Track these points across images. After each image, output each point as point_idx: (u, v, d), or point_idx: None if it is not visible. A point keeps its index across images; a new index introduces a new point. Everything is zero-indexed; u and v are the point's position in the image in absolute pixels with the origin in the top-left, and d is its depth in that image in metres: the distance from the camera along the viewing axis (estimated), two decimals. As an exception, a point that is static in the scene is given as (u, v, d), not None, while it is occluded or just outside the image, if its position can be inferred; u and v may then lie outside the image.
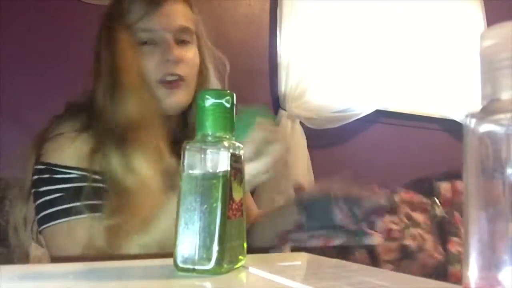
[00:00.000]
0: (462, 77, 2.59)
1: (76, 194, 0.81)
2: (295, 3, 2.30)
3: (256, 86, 2.23)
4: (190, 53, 0.91)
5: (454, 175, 1.25)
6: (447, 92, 2.61)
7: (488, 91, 0.32)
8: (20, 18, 1.80)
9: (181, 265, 0.45)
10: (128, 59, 0.88)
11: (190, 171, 0.47)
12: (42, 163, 0.84)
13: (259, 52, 2.29)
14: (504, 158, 0.29)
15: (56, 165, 0.83)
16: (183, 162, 0.47)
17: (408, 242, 0.89)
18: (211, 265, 0.45)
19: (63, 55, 1.81)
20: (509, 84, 0.30)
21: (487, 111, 0.31)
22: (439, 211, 0.98)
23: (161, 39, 0.88)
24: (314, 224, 0.85)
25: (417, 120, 2.60)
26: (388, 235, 0.90)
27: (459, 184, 1.19)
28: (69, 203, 0.80)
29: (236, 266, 0.49)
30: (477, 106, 0.32)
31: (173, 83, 0.88)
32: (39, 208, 0.83)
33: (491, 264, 0.30)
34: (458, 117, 2.58)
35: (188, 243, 0.45)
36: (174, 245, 0.46)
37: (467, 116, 0.31)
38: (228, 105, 0.49)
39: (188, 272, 0.45)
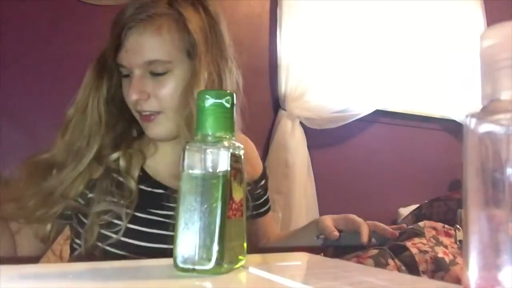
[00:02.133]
0: (462, 77, 2.58)
1: None
2: (295, 3, 2.29)
3: (256, 86, 2.23)
4: (165, 87, 0.83)
5: None
6: (447, 92, 2.61)
7: (488, 91, 0.32)
8: (20, 18, 1.80)
9: (181, 265, 0.45)
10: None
11: (190, 171, 0.47)
12: None
13: (259, 52, 2.29)
14: (504, 158, 0.29)
15: None
16: (183, 162, 0.47)
17: (441, 255, 0.92)
18: (211, 265, 0.45)
19: (63, 55, 1.81)
20: (509, 84, 0.30)
21: (487, 111, 0.31)
22: (460, 234, 1.01)
23: (132, 75, 0.84)
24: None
25: (417, 120, 2.60)
26: (419, 249, 0.93)
27: None
28: None
29: (236, 266, 0.49)
30: (477, 106, 0.32)
31: (147, 117, 0.85)
32: None
33: (491, 264, 0.30)
34: (458, 117, 2.58)
35: (188, 243, 0.45)
36: (174, 245, 0.46)
37: (467, 116, 0.31)
38: (228, 105, 0.49)
39: (188, 272, 0.45)
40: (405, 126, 2.57)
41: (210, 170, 0.47)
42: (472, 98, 2.51)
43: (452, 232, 1.01)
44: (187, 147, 0.48)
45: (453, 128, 2.61)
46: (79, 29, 1.84)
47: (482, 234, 0.30)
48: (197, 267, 0.45)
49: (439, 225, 1.02)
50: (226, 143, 0.47)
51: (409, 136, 2.58)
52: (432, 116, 2.64)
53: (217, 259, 0.45)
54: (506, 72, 0.31)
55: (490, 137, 0.30)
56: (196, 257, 0.45)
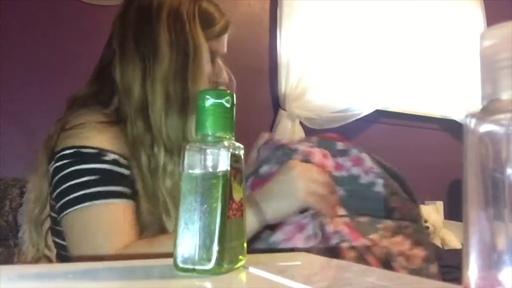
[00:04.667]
0: (462, 77, 2.59)
1: (114, 177, 0.79)
2: (295, 3, 2.29)
3: (256, 86, 2.23)
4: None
5: None
6: (447, 92, 2.61)
7: (488, 91, 0.32)
8: (21, 18, 1.81)
9: (181, 265, 0.45)
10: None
11: (190, 171, 0.47)
12: (71, 147, 0.80)
13: (259, 52, 2.29)
14: (504, 158, 0.29)
15: (88, 147, 0.79)
16: (183, 162, 0.47)
17: None
18: (211, 265, 0.45)
19: (63, 55, 1.81)
20: (509, 84, 0.30)
21: (487, 111, 0.31)
22: None
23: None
24: None
25: (417, 120, 2.60)
26: None
27: None
28: (106, 186, 0.78)
29: (236, 266, 0.49)
30: (477, 106, 0.32)
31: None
32: (67, 191, 0.78)
33: (491, 264, 0.30)
34: (458, 117, 2.58)
35: (188, 243, 0.45)
36: (174, 245, 0.46)
37: (467, 116, 0.31)
38: (228, 105, 0.49)
39: (188, 272, 0.45)
40: (405, 126, 2.57)
41: (210, 170, 0.47)
42: (472, 98, 2.51)
43: None
44: (187, 147, 0.48)
45: (453, 128, 2.61)
46: (79, 29, 1.83)
47: (482, 234, 0.30)
48: (197, 267, 0.45)
49: None
50: (226, 143, 0.47)
51: (409, 136, 2.58)
52: (432, 116, 2.64)
53: (217, 259, 0.45)
54: (506, 72, 0.31)
55: (490, 137, 0.30)
56: (196, 257, 0.45)
